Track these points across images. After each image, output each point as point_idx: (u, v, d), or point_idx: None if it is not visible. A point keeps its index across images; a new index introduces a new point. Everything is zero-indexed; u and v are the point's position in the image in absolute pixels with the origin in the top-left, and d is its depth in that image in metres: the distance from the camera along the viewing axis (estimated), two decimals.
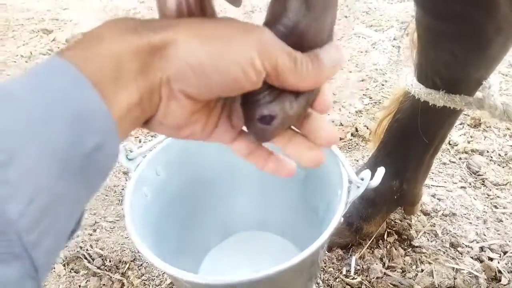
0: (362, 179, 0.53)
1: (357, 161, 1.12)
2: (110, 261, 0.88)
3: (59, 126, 0.22)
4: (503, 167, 1.09)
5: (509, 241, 0.89)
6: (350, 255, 0.87)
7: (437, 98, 0.67)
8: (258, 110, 0.29)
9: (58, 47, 1.60)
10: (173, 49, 0.26)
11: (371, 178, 0.53)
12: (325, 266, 0.85)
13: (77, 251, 0.90)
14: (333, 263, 0.85)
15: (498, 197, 1.00)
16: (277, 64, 0.27)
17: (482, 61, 0.64)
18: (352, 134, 1.19)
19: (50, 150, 0.21)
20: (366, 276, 0.83)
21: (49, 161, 0.21)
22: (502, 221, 0.94)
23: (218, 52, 0.26)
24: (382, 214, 0.88)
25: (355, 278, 0.82)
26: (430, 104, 0.70)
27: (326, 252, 0.87)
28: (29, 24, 1.75)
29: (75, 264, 0.89)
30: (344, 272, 0.84)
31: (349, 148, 1.16)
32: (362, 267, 0.84)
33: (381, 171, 0.52)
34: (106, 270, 0.87)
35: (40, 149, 0.21)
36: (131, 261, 0.87)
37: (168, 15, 0.30)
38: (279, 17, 0.29)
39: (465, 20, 0.59)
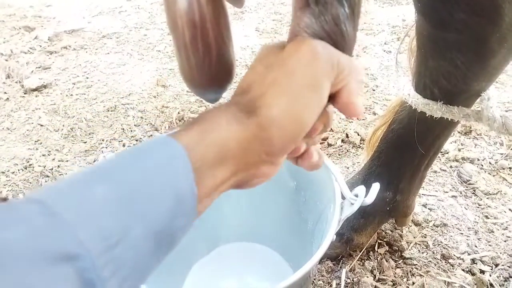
0: (356, 196, 0.50)
1: (347, 168, 1.10)
2: None
3: (162, 209, 0.25)
4: (493, 175, 1.08)
5: (501, 253, 0.88)
6: (341, 267, 0.84)
7: (435, 109, 0.65)
8: None
9: (40, 45, 1.55)
10: (270, 132, 0.30)
11: (366, 195, 0.50)
12: (314, 279, 0.82)
13: None
14: (323, 276, 0.83)
15: (489, 206, 0.99)
16: (343, 74, 0.32)
17: (483, 72, 0.62)
18: (342, 140, 1.17)
19: (151, 231, 0.24)
20: None
21: (148, 241, 0.24)
22: (493, 232, 0.93)
23: (303, 118, 0.31)
24: (374, 225, 0.86)
25: None
26: (427, 115, 0.67)
27: (317, 265, 0.84)
28: (10, 20, 1.69)
29: None
30: (334, 286, 0.81)
31: (339, 154, 1.14)
32: (353, 280, 0.82)
33: (375, 187, 0.50)
34: None
35: (144, 230, 0.24)
36: None
37: (178, 15, 0.30)
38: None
39: (468, 30, 0.57)
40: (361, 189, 0.50)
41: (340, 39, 0.32)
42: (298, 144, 0.34)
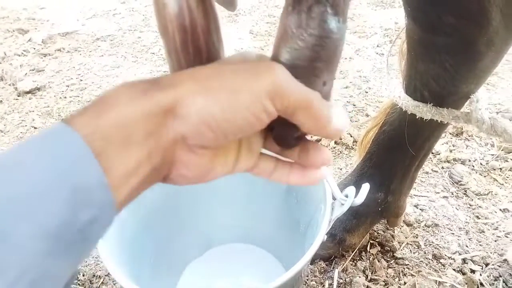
0: (347, 196, 0.51)
1: (341, 169, 1.11)
2: (83, 275, 0.84)
3: (56, 204, 0.22)
4: (484, 176, 1.09)
5: (491, 253, 0.89)
6: (333, 268, 0.85)
7: (425, 111, 0.66)
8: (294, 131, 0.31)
9: (34, 48, 1.54)
10: (184, 108, 0.26)
11: (356, 195, 0.51)
12: (307, 280, 0.83)
13: None
14: (315, 276, 0.83)
15: (480, 207, 1.00)
16: (289, 105, 0.27)
17: (472, 75, 0.63)
18: (335, 142, 1.18)
19: (42, 229, 0.21)
20: None
21: (39, 240, 0.21)
22: (484, 232, 0.94)
23: (230, 105, 0.26)
24: (366, 226, 0.86)
25: None
26: (417, 117, 0.68)
27: (309, 265, 0.85)
28: (3, 23, 1.69)
29: None
30: (326, 286, 0.82)
31: (332, 156, 1.15)
32: (345, 280, 0.82)
33: (365, 187, 0.51)
34: (79, 284, 0.83)
35: (32, 229, 0.21)
36: (105, 275, 0.84)
37: (168, 20, 0.29)
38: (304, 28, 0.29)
39: (456, 33, 0.58)
40: (351, 189, 0.51)
41: (326, 41, 0.31)
42: (222, 141, 0.28)
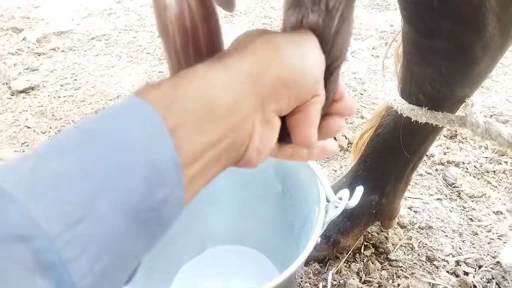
0: (341, 199, 0.51)
1: (335, 171, 1.11)
2: None
3: (134, 178, 0.21)
4: (478, 179, 1.10)
5: (484, 255, 0.89)
6: (327, 270, 0.85)
7: (420, 115, 0.67)
8: None
9: (28, 47, 1.53)
10: (263, 69, 0.27)
11: (350, 198, 0.51)
12: (301, 281, 0.83)
13: None
14: (309, 278, 0.83)
15: (474, 209, 1.01)
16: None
17: (467, 79, 0.64)
18: None
19: (122, 204, 0.21)
20: None
21: (120, 215, 0.21)
22: (477, 234, 0.95)
23: (301, 66, 0.28)
24: (360, 228, 0.87)
25: None
26: (412, 120, 0.69)
27: (303, 267, 0.85)
28: None
29: None
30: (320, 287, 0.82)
31: (327, 158, 1.15)
32: (339, 282, 0.82)
33: (359, 190, 0.51)
34: None
35: (113, 203, 0.21)
36: None
37: (169, 21, 0.30)
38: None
39: (453, 38, 0.58)
40: (345, 192, 0.51)
41: (327, 35, 0.32)
42: (309, 96, 0.30)
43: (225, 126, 0.25)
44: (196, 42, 0.31)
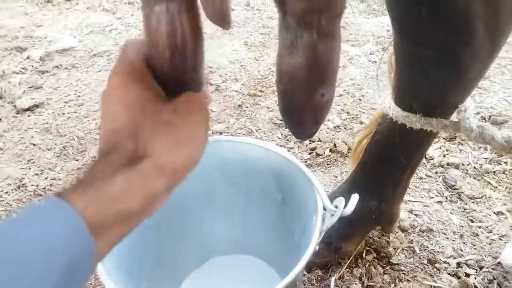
0: (336, 207, 0.53)
1: (336, 177, 1.12)
2: None
3: (55, 280, 0.24)
4: (478, 180, 1.11)
5: (485, 256, 0.90)
6: (330, 276, 0.86)
7: (414, 121, 0.68)
8: None
9: (32, 65, 1.57)
10: (167, 164, 0.32)
11: (345, 206, 0.52)
12: None
13: None
14: (312, 285, 0.85)
15: (474, 210, 1.02)
16: None
17: (459, 87, 0.65)
18: (330, 150, 1.20)
19: None
20: None
21: None
22: (478, 235, 0.95)
23: (191, 154, 0.34)
24: (361, 234, 0.88)
25: None
26: (407, 127, 0.70)
27: (306, 273, 0.86)
28: (2, 41, 1.71)
29: None
30: None
31: (327, 164, 1.16)
32: None
33: (354, 198, 0.52)
34: None
35: None
36: None
37: (160, 38, 0.32)
38: None
39: (442, 47, 0.59)
40: (340, 200, 0.53)
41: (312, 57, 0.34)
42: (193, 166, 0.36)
43: (139, 218, 0.31)
44: (183, 57, 0.34)
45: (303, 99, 0.36)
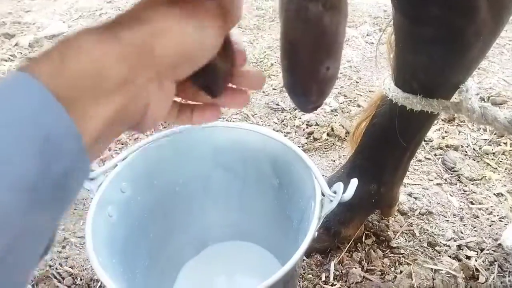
0: (335, 192, 0.51)
1: (334, 161, 1.11)
2: (81, 280, 0.84)
3: (26, 156, 0.21)
4: (477, 161, 1.09)
5: (486, 238, 0.89)
6: (329, 260, 0.85)
7: (415, 103, 0.66)
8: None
9: (21, 52, 1.53)
10: (161, 43, 0.26)
11: (344, 191, 0.51)
12: (304, 273, 0.83)
13: (46, 270, 0.86)
14: (312, 270, 0.84)
15: (474, 192, 1.01)
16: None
17: (460, 66, 0.63)
18: (328, 134, 1.18)
19: (19, 182, 0.20)
20: (345, 281, 0.81)
21: (17, 193, 0.20)
22: (478, 217, 0.95)
23: (200, 36, 0.28)
24: (360, 218, 0.87)
25: (334, 284, 0.81)
26: (407, 108, 0.68)
27: (305, 258, 0.85)
28: None
29: (44, 284, 0.84)
30: (323, 279, 0.82)
31: (325, 148, 1.15)
32: (341, 272, 0.83)
33: (353, 183, 0.51)
34: None
35: (9, 182, 0.20)
36: None
37: None
38: None
39: (444, 25, 0.58)
40: (339, 186, 0.51)
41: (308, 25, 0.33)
42: (195, 66, 0.30)
43: (120, 97, 0.25)
44: None
45: (308, 72, 0.35)
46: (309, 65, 0.35)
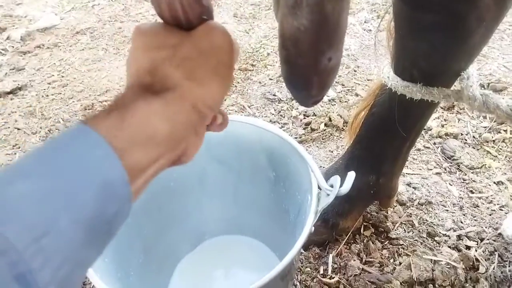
0: (332, 186, 0.49)
1: (332, 152, 1.09)
2: None
3: (88, 197, 0.25)
4: (477, 149, 1.08)
5: (486, 227, 0.88)
6: (327, 253, 0.84)
7: (415, 91, 0.64)
8: None
9: (13, 46, 1.50)
10: (191, 101, 0.32)
11: (341, 184, 0.49)
12: (302, 266, 0.82)
13: None
14: (310, 263, 0.83)
15: (474, 181, 0.99)
16: None
17: (462, 53, 0.61)
18: (325, 124, 1.16)
19: (80, 219, 0.24)
20: (344, 274, 0.80)
21: (78, 229, 0.24)
22: (478, 206, 0.93)
23: (222, 86, 0.34)
24: (359, 209, 0.85)
25: (333, 278, 0.80)
26: (407, 97, 0.66)
27: (303, 251, 0.84)
28: None
29: None
30: (321, 272, 0.81)
31: (323, 139, 1.13)
32: (340, 265, 0.82)
33: (351, 176, 0.49)
34: None
35: (72, 219, 0.24)
36: None
37: (165, 17, 0.33)
38: None
39: (446, 11, 0.56)
40: (336, 179, 0.50)
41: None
42: (216, 112, 0.36)
43: (165, 147, 0.30)
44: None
45: (309, 64, 0.33)
46: (310, 56, 0.33)
